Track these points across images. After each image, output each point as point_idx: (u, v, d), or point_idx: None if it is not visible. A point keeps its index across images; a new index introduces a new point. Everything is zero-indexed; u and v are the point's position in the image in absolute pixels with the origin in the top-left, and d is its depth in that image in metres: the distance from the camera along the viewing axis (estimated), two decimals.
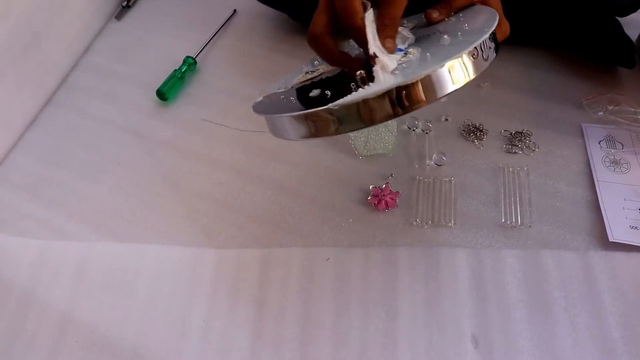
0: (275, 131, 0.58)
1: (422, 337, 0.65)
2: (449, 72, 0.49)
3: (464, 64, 0.50)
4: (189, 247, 0.76)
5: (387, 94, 0.48)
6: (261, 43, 1.05)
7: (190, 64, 1.00)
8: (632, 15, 0.90)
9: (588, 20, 0.88)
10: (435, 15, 0.63)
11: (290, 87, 0.61)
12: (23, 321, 0.71)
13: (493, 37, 0.54)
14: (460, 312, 0.67)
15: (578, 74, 0.91)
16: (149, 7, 1.20)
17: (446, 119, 0.86)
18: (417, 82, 0.48)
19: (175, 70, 0.98)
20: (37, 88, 0.98)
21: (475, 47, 0.50)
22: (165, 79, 0.97)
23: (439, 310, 0.67)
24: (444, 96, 0.49)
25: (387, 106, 0.49)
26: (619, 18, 0.91)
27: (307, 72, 0.62)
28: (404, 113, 0.49)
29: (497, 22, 0.55)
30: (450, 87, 0.49)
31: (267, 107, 0.60)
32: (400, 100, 0.48)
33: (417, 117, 0.85)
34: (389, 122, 0.79)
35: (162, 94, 0.95)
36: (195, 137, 0.90)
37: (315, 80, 0.60)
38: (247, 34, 1.08)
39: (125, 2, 1.19)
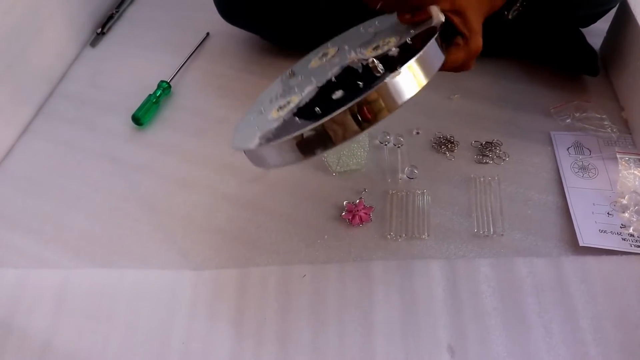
0: (259, 163, 0.61)
1: (398, 350, 0.66)
2: (404, 80, 0.53)
3: (416, 68, 0.54)
4: (167, 269, 0.77)
5: (349, 110, 0.51)
6: (234, 65, 1.07)
7: (164, 88, 1.01)
8: (595, 24, 0.93)
9: (553, 31, 0.91)
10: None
11: (274, 122, 0.62)
12: (2, 351, 0.71)
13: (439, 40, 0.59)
14: (435, 323, 0.67)
15: (545, 83, 0.94)
16: (123, 33, 1.21)
17: (417, 132, 0.88)
18: (376, 93, 0.52)
19: (150, 94, 0.99)
20: (13, 117, 0.99)
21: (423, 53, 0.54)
22: (140, 103, 0.98)
23: (415, 322, 0.68)
24: (403, 103, 0.53)
25: (352, 122, 0.52)
26: (581, 28, 0.94)
27: (281, 107, 0.64)
28: (370, 126, 0.53)
29: (439, 25, 0.59)
30: (407, 93, 0.53)
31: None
32: (363, 113, 0.52)
33: (389, 132, 0.87)
34: (361, 137, 0.81)
35: (138, 119, 0.96)
36: (171, 161, 0.91)
37: (295, 109, 0.62)
38: (220, 57, 1.10)
39: (100, 29, 1.20)
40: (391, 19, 0.67)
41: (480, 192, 0.80)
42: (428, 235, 0.76)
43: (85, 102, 1.05)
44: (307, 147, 0.54)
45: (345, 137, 0.53)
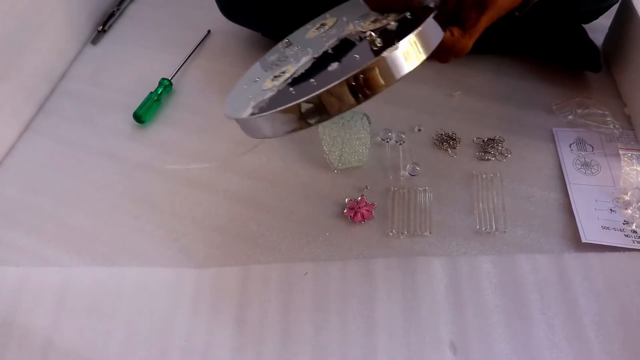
0: (251, 132, 0.60)
1: (401, 347, 0.66)
2: (402, 54, 0.53)
3: (414, 44, 0.54)
4: (169, 267, 0.77)
5: (345, 82, 0.51)
6: (235, 62, 1.07)
7: (166, 85, 1.01)
8: (596, 20, 0.93)
9: (554, 27, 0.90)
10: None
11: (269, 91, 0.61)
12: (4, 350, 0.71)
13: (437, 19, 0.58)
14: (438, 320, 0.67)
15: (547, 79, 0.93)
16: (124, 30, 1.21)
17: (419, 130, 0.88)
18: (373, 66, 0.51)
19: (151, 92, 0.99)
20: (14, 115, 0.99)
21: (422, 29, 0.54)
22: (141, 101, 0.98)
23: (417, 319, 0.68)
24: (401, 78, 0.53)
25: (348, 95, 0.52)
26: (583, 24, 0.93)
27: (276, 77, 0.63)
28: (366, 99, 0.52)
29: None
30: (406, 68, 0.53)
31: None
32: (360, 86, 0.52)
33: (391, 129, 0.86)
34: (362, 134, 0.81)
35: (139, 117, 0.96)
36: (173, 158, 0.91)
37: (290, 79, 0.61)
38: (221, 54, 1.10)
39: (101, 27, 1.19)
40: None
41: (482, 189, 0.79)
42: (430, 233, 0.75)
43: (87, 100, 1.05)
44: (302, 118, 0.54)
45: (340, 109, 0.53)
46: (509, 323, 0.66)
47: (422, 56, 0.54)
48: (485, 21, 0.63)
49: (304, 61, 0.62)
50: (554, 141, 0.84)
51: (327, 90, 0.51)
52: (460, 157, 0.84)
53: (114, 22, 1.22)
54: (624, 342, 0.63)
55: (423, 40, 0.54)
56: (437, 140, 0.86)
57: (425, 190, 0.80)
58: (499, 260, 0.72)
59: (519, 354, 0.64)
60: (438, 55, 0.63)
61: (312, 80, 0.55)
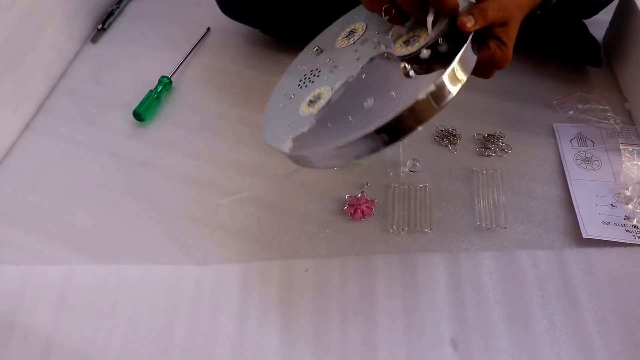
0: (295, 162, 0.61)
1: (401, 344, 0.65)
2: (441, 89, 0.52)
3: (453, 75, 0.53)
4: (169, 265, 0.77)
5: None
6: (235, 60, 1.07)
7: (165, 83, 1.01)
8: (597, 15, 0.93)
9: (555, 23, 0.90)
10: (469, 24, 0.55)
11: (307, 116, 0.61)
12: (5, 348, 0.71)
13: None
14: (438, 317, 0.67)
15: (547, 75, 0.93)
16: (124, 29, 1.21)
17: None
18: (412, 107, 0.51)
19: (151, 90, 0.99)
20: (14, 114, 0.99)
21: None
22: (141, 99, 0.98)
23: (418, 315, 0.67)
24: (441, 108, 0.53)
25: (384, 135, 0.53)
26: (584, 19, 0.93)
27: (311, 101, 0.62)
28: (404, 136, 0.54)
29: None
30: (444, 100, 0.53)
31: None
32: (400, 125, 0.53)
33: None
34: None
35: (139, 115, 0.96)
36: (173, 156, 0.91)
37: (326, 109, 0.60)
38: (221, 52, 1.10)
39: (101, 25, 1.19)
40: None
41: (482, 185, 0.79)
42: (430, 229, 0.75)
43: (87, 98, 1.05)
44: (342, 155, 0.55)
45: (379, 150, 0.55)
46: (510, 319, 0.66)
47: (461, 83, 0.54)
48: (515, 30, 0.61)
49: (338, 86, 0.61)
50: (554, 136, 0.84)
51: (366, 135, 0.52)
52: (461, 153, 0.84)
53: (114, 20, 1.23)
54: (625, 337, 0.63)
55: (461, 67, 0.53)
56: (437, 136, 0.86)
57: (425, 187, 0.80)
58: (500, 256, 0.71)
59: (520, 349, 0.64)
60: (481, 73, 0.61)
61: (349, 117, 0.55)
